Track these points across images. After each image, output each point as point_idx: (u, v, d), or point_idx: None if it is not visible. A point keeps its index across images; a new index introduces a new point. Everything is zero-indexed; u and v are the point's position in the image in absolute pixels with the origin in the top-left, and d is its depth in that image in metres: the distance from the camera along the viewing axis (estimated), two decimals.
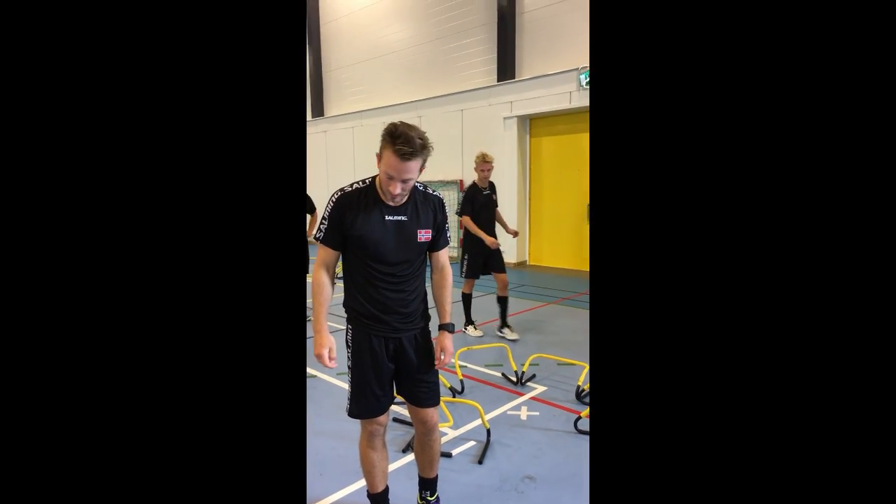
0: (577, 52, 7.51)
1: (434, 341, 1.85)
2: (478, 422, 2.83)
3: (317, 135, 11.75)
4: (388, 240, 1.69)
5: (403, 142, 1.52)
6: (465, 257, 4.44)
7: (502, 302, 4.43)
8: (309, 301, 3.87)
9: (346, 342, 1.82)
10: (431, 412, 1.87)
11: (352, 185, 1.72)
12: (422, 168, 1.62)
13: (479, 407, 2.79)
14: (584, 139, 7.84)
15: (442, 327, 1.85)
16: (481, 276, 4.48)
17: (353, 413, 1.81)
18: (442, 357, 1.82)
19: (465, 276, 4.45)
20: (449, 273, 1.89)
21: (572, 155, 7.93)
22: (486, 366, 3.77)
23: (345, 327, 1.83)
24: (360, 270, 1.72)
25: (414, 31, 9.73)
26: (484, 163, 4.31)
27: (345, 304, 1.81)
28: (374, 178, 1.71)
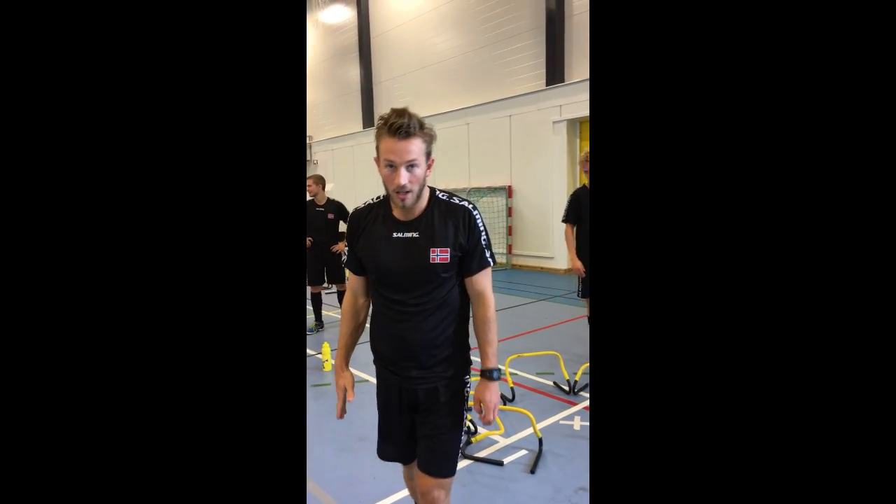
0: None
1: (467, 391, 1.51)
2: (529, 430, 2.79)
3: (369, 145, 12.02)
4: (394, 261, 1.40)
5: (396, 117, 1.30)
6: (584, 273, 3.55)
7: None
8: None
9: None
10: (432, 486, 1.44)
11: (366, 202, 1.51)
12: (430, 157, 1.36)
13: (531, 415, 2.75)
14: None
15: (483, 375, 1.46)
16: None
17: (378, 452, 1.62)
18: (482, 414, 1.46)
19: (581, 296, 3.67)
20: (488, 304, 1.47)
21: None
22: (538, 374, 3.71)
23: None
24: (377, 298, 1.50)
25: (462, 40, 9.80)
26: (587, 161, 3.34)
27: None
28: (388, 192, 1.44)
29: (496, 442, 2.70)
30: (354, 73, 12.80)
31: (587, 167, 3.37)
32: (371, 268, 1.46)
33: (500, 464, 2.50)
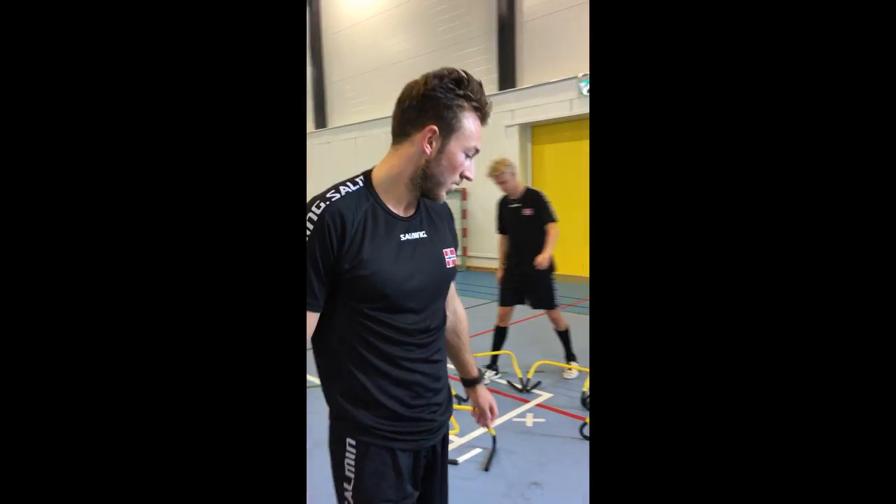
0: (577, 61, 7.55)
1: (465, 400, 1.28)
2: (483, 429, 2.83)
3: (319, 146, 11.81)
4: (411, 273, 1.01)
5: (482, 93, 1.00)
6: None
7: (561, 336, 3.65)
8: None
9: (344, 472, 1.05)
10: None
11: (338, 190, 1.00)
12: None
13: None
14: (586, 146, 7.86)
15: (475, 382, 1.32)
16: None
17: None
18: (488, 419, 1.33)
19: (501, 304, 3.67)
20: (463, 309, 1.30)
21: (575, 162, 7.95)
22: (486, 368, 3.77)
23: (333, 448, 1.07)
24: (367, 340, 1.01)
25: (415, 42, 9.81)
26: (494, 174, 3.44)
27: (335, 413, 1.06)
28: (366, 176, 1.04)
29: (451, 441, 2.72)
30: (306, 73, 12.57)
31: (500, 179, 3.45)
32: (378, 292, 0.98)
33: (455, 463, 2.52)
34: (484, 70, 8.78)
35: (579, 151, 7.88)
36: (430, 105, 0.97)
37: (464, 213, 9.24)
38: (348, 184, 1.03)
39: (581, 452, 2.60)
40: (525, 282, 3.52)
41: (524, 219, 3.47)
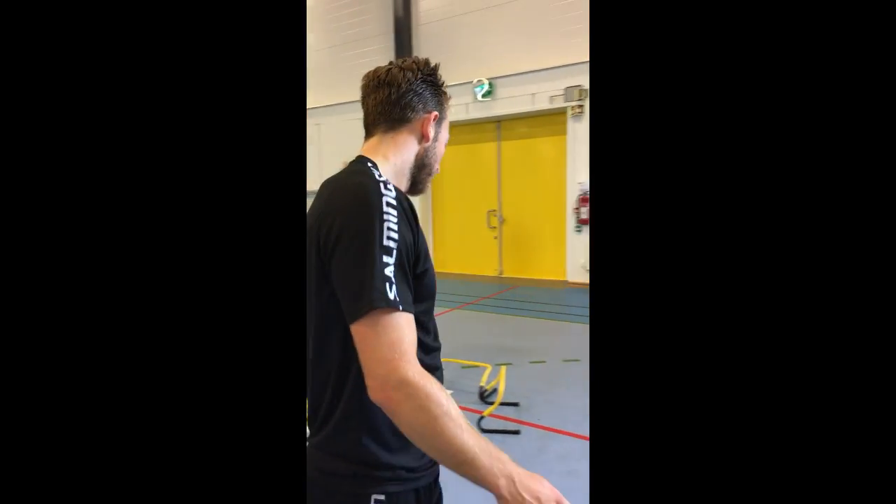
0: (472, 66, 7.79)
1: None
2: None
3: None
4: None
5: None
6: None
7: None
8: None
9: None
10: None
11: (380, 175, 0.84)
12: None
13: None
14: (484, 149, 8.15)
15: None
16: None
17: None
18: None
19: None
20: None
21: (473, 164, 8.20)
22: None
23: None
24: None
25: (313, 37, 9.51)
26: None
27: (351, 470, 0.82)
28: (373, 164, 0.89)
29: None
30: None
31: None
32: (430, 290, 0.86)
33: None
34: None
35: (478, 153, 8.14)
36: (430, 90, 0.94)
37: None
38: (370, 166, 0.88)
39: None
40: None
41: None
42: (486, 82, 7.61)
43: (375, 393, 0.72)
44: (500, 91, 7.62)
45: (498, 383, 3.30)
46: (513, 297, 6.66)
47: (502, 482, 0.72)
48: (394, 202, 0.78)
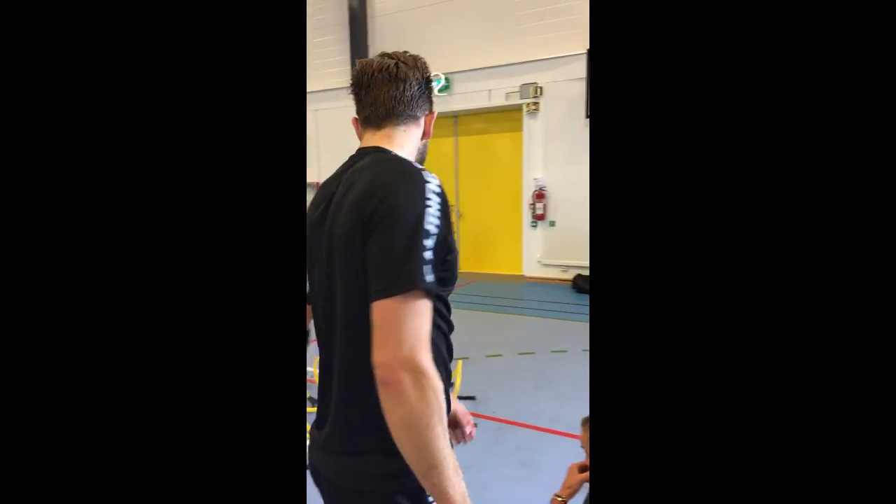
0: (428, 60, 7.57)
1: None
2: None
3: None
4: None
5: None
6: None
7: None
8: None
9: None
10: None
11: (408, 161, 0.91)
12: None
13: None
14: (442, 143, 8.14)
15: None
16: None
17: None
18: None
19: None
20: None
21: (430, 159, 8.08)
22: None
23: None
24: (440, 330, 0.88)
25: None
26: None
27: (381, 471, 0.84)
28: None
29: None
30: None
31: None
32: (454, 272, 0.87)
33: None
34: (337, 61, 8.59)
35: (436, 148, 8.06)
36: (429, 88, 0.99)
37: None
38: (405, 157, 0.93)
39: None
40: None
41: None
42: (443, 77, 7.59)
43: (384, 371, 0.71)
44: (457, 86, 7.62)
45: (455, 378, 3.33)
46: (470, 291, 6.70)
47: (458, 499, 0.73)
48: (437, 190, 0.82)
